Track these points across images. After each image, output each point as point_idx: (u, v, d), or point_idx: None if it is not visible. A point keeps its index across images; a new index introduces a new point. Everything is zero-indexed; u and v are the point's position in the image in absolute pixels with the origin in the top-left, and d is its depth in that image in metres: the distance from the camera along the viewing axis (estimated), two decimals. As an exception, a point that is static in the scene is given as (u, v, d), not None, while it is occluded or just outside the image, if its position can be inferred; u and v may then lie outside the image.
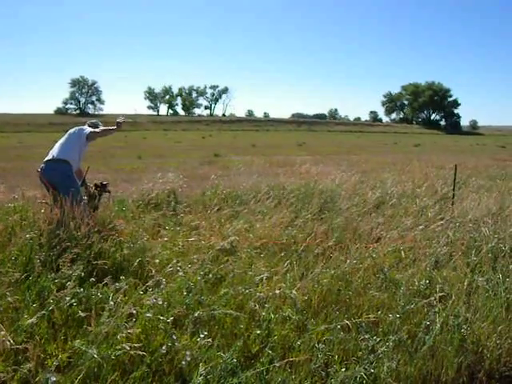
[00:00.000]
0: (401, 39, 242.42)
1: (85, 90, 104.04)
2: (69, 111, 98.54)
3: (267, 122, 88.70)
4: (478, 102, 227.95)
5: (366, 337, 3.18)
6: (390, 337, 3.18)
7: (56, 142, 5.77)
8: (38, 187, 5.84)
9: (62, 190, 5.20)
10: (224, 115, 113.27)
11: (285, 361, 2.91)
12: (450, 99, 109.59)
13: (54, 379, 2.51)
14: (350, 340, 3.22)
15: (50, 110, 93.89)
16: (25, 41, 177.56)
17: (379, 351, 3.03)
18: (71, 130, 5.84)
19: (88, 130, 5.76)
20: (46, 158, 5.55)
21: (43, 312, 3.16)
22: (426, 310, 3.62)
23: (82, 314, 3.20)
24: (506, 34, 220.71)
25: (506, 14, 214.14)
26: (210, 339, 3.04)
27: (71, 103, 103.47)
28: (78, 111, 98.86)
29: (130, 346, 2.79)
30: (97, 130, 5.83)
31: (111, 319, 3.06)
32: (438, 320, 3.38)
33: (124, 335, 2.92)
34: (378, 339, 3.15)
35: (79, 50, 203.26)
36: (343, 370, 2.87)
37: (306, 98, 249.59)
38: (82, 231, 4.64)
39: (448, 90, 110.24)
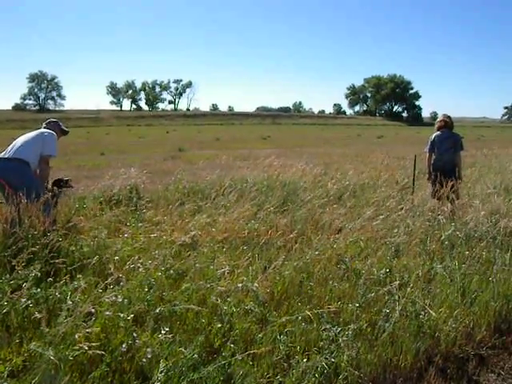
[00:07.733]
0: (365, 33, 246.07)
1: (44, 85, 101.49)
2: (28, 107, 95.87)
3: (232, 116, 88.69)
4: (437, 95, 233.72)
5: (328, 327, 3.21)
6: (351, 326, 3.21)
7: (15, 139, 5.56)
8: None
9: (22, 191, 4.98)
10: (188, 109, 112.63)
11: (246, 353, 2.91)
12: (411, 91, 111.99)
13: (8, 384, 2.43)
14: (312, 331, 3.24)
15: (8, 106, 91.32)
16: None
17: (340, 340, 3.06)
18: (37, 132, 5.60)
19: (48, 150, 5.41)
20: (3, 156, 5.33)
21: (-4, 315, 3.06)
22: (385, 298, 3.68)
23: (39, 316, 3.08)
24: (464, 28, 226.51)
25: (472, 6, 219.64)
26: (171, 335, 3.00)
27: (30, 99, 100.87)
28: (37, 107, 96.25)
29: (89, 346, 2.71)
30: (46, 171, 5.47)
31: (69, 319, 2.97)
32: (397, 307, 3.44)
33: (82, 335, 2.84)
34: (339, 329, 3.18)
35: (38, 45, 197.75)
36: (305, 360, 2.88)
37: (271, 91, 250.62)
38: (38, 230, 4.50)
39: (409, 83, 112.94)
